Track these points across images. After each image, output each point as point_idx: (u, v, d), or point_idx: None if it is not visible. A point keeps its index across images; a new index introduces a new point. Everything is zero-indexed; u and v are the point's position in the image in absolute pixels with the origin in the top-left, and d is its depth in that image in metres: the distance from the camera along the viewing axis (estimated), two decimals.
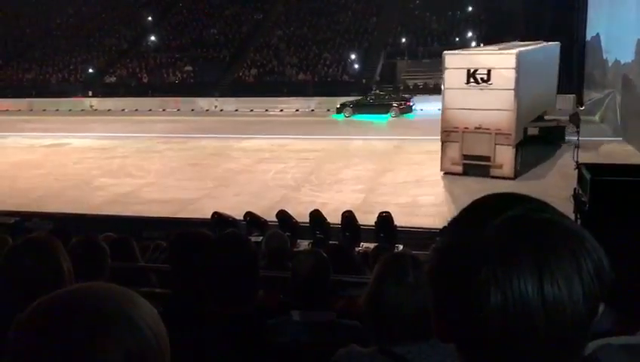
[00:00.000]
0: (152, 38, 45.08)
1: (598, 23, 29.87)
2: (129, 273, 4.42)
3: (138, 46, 45.35)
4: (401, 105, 30.74)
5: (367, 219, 11.05)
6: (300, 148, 23.46)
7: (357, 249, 8.21)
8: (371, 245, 8.35)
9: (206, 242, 2.86)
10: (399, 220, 11.11)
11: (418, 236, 10.71)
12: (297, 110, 34.67)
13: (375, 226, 10.25)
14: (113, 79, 42.71)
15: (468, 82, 17.56)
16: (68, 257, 2.07)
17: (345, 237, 9.96)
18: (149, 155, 23.24)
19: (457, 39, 40.55)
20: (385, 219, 10.31)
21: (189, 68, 41.78)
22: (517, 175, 17.33)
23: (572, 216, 8.90)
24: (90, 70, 43.07)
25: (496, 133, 17.38)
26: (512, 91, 16.98)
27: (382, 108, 30.46)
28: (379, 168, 19.86)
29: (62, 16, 49.57)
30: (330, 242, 9.04)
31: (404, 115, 30.42)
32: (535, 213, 0.80)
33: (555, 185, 15.38)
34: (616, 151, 20.82)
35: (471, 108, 17.56)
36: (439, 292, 0.83)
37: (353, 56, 39.18)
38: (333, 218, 10.90)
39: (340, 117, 31.07)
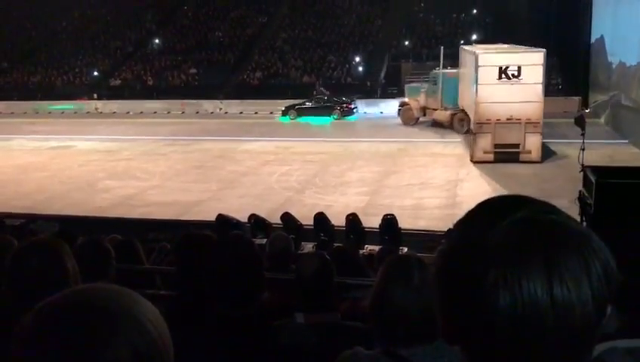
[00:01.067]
0: (157, 40, 45.22)
1: (602, 25, 29.79)
2: (134, 275, 4.43)
3: (143, 49, 45.50)
4: (342, 108, 32.16)
5: (371, 221, 11.04)
6: (305, 151, 23.48)
7: (361, 251, 8.20)
8: (376, 247, 8.33)
9: (210, 244, 2.87)
10: (404, 223, 11.10)
11: (423, 239, 10.70)
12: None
13: (380, 229, 10.24)
14: (118, 82, 42.85)
15: (500, 78, 19.57)
16: (73, 259, 2.08)
17: (349, 239, 9.94)
18: (154, 158, 23.30)
19: (462, 42, 40.56)
20: (389, 221, 10.29)
21: (193, 70, 41.89)
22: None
23: (577, 219, 8.87)
24: (96, 73, 43.23)
25: (526, 123, 19.49)
26: (541, 85, 19.44)
27: (325, 110, 32.04)
28: (383, 170, 19.85)
29: (67, 19, 49.77)
30: (335, 244, 9.03)
31: (346, 117, 31.95)
32: (541, 215, 0.80)
33: (560, 187, 15.36)
34: (621, 153, 20.76)
35: (503, 101, 19.45)
36: (445, 294, 0.83)
37: (358, 59, 39.21)
38: (338, 220, 10.90)
39: (286, 119, 32.39)
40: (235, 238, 2.67)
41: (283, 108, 32.83)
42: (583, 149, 12.63)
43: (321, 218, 10.63)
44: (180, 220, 13.71)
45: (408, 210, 14.72)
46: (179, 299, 2.98)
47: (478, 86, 19.84)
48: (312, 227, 10.64)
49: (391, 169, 20.05)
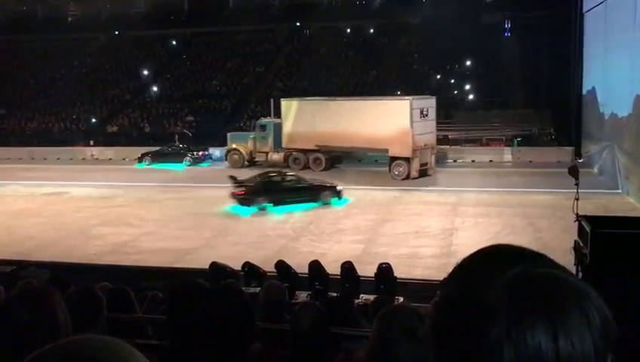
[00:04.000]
0: (155, 88, 45.78)
1: (593, 77, 30.40)
2: (125, 324, 4.35)
3: (140, 96, 46.00)
4: (194, 155, 34.48)
5: (366, 270, 10.96)
6: None
7: (356, 301, 8.11)
8: (371, 297, 8.24)
9: (202, 293, 2.83)
10: (399, 271, 11.02)
11: (418, 288, 10.61)
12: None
13: (375, 277, 10.15)
14: (115, 128, 43.14)
15: (421, 117, 28.36)
16: (65, 308, 2.04)
17: (344, 288, 9.84)
18: (148, 204, 23.25)
19: (455, 92, 41.22)
20: (385, 270, 10.21)
21: (190, 118, 42.25)
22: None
23: (573, 268, 8.84)
24: (93, 120, 43.55)
25: (431, 148, 28.89)
26: (434, 121, 29.76)
27: (177, 157, 34.34)
28: (378, 218, 19.84)
29: (66, 67, 50.45)
30: (329, 294, 8.93)
31: (199, 163, 34.17)
32: (541, 269, 0.80)
33: (555, 237, 15.36)
34: (615, 203, 20.85)
35: (423, 133, 28.38)
36: (443, 350, 0.81)
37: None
38: (333, 268, 10.81)
39: (142, 165, 34.29)
40: (224, 288, 2.64)
41: (139, 155, 35.12)
42: (577, 199, 12.68)
43: (315, 266, 10.54)
44: (173, 268, 13.60)
45: (404, 258, 14.64)
46: (170, 349, 2.93)
47: (413, 123, 27.74)
48: (307, 275, 10.53)
49: (386, 217, 20.05)
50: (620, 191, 23.42)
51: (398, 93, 36.66)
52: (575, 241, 9.54)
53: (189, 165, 33.71)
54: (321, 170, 29.66)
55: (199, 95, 44.38)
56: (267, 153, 32.10)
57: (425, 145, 28.11)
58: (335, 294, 8.52)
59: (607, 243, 8.38)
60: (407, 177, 27.24)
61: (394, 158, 28.02)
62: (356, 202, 22.41)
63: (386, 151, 28.27)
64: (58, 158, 37.84)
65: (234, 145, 33.14)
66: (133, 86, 47.24)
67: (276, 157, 31.76)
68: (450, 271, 0.87)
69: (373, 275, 10.24)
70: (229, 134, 34.21)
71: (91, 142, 40.58)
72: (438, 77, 41.98)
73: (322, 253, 14.65)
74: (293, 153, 31.29)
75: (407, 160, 27.62)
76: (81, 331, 1.20)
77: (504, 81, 39.08)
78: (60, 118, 44.81)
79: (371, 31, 48.10)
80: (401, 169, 27.74)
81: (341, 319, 4.47)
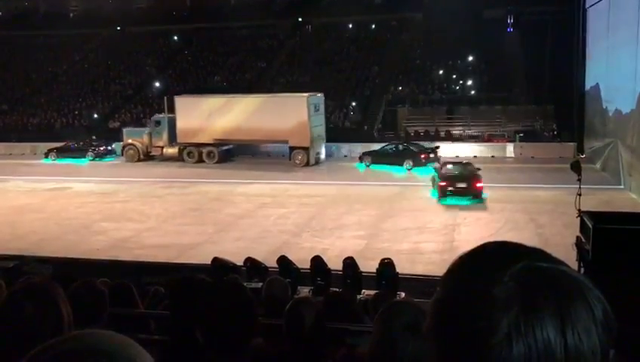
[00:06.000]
0: (157, 84, 45.75)
1: (597, 73, 30.31)
2: (128, 319, 4.36)
3: (142, 92, 45.97)
4: (96, 150, 35.74)
5: (368, 265, 10.96)
6: (302, 194, 23.51)
7: (359, 296, 8.11)
8: (373, 292, 8.24)
9: (204, 288, 2.84)
10: (401, 267, 11.02)
11: (420, 283, 10.61)
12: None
13: (377, 273, 10.15)
14: (117, 124, 43.10)
15: (315, 111, 32.10)
16: (68, 303, 2.05)
17: (346, 284, 9.85)
18: (151, 200, 23.28)
19: (457, 87, 41.16)
20: (387, 265, 10.21)
21: None
22: None
23: (575, 264, 8.84)
24: (95, 116, 43.54)
25: (321, 139, 32.61)
26: (323, 115, 33.78)
27: (81, 152, 35.49)
28: (380, 214, 19.84)
29: (68, 62, 50.44)
30: (332, 289, 8.94)
31: (102, 158, 35.40)
32: (542, 263, 0.80)
33: (557, 232, 15.35)
34: (618, 199, 20.83)
35: (316, 125, 32.11)
36: (447, 347, 0.80)
37: (354, 104, 39.67)
38: (335, 264, 10.82)
39: (48, 161, 35.32)
40: (226, 283, 2.64)
41: (45, 151, 36.07)
42: (580, 195, 12.67)
43: (317, 262, 10.54)
44: (176, 263, 13.61)
45: (405, 254, 14.65)
46: (172, 344, 2.94)
47: (311, 117, 31.43)
48: (309, 271, 10.54)
49: (388, 212, 20.05)
50: (622, 187, 23.39)
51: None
52: (577, 237, 9.54)
53: (91, 160, 35.12)
54: (215, 163, 32.58)
55: (201, 90, 44.30)
56: (162, 147, 34.25)
57: (318, 136, 32.13)
58: (337, 290, 8.52)
59: (609, 238, 8.37)
60: (307, 164, 31.06)
61: (293, 148, 31.44)
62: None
63: (286, 142, 31.60)
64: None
65: (130, 141, 34.90)
66: (135, 82, 47.21)
67: (171, 151, 33.97)
68: (448, 268, 0.87)
69: (375, 271, 10.24)
70: (124, 130, 36.03)
71: (93, 137, 40.57)
72: (441, 72, 41.92)
73: (324, 248, 14.68)
74: (188, 147, 33.52)
75: (306, 149, 31.19)
76: (84, 326, 1.21)
77: (506, 76, 38.98)
78: (62, 113, 44.80)
79: (373, 26, 48.01)
80: (300, 157, 31.35)
81: (343, 314, 4.47)
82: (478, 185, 21.24)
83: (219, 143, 33.07)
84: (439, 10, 39.65)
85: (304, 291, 9.22)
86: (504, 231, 16.99)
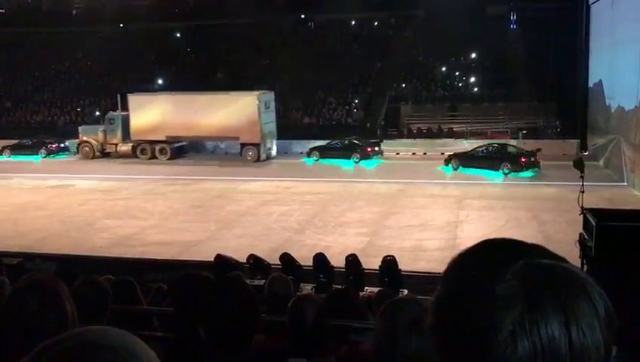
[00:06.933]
0: (160, 81, 45.74)
1: (600, 70, 30.23)
2: (131, 316, 4.38)
3: (145, 89, 45.94)
4: (48, 147, 36.09)
5: (371, 262, 10.97)
6: (304, 191, 23.51)
7: (361, 293, 8.12)
8: (375, 289, 8.25)
9: (207, 285, 2.84)
10: (404, 264, 11.03)
11: (423, 281, 10.61)
12: (301, 153, 35.03)
13: (379, 270, 10.16)
14: None
15: (265, 109, 33.04)
16: (71, 300, 2.05)
17: (349, 281, 9.86)
18: (153, 197, 23.30)
19: (460, 84, 41.09)
20: (389, 263, 10.21)
21: None
22: None
23: (578, 261, 8.83)
24: (97, 113, 43.57)
25: (272, 135, 33.50)
26: (274, 112, 34.60)
27: (33, 149, 35.88)
28: (383, 211, 19.84)
29: (71, 59, 50.46)
30: (334, 286, 8.95)
31: (54, 155, 35.93)
32: (543, 260, 0.80)
33: (561, 229, 15.33)
34: (621, 196, 20.79)
35: (267, 122, 33.07)
36: (449, 344, 0.80)
37: (357, 101, 39.65)
38: (337, 261, 10.83)
39: (2, 158, 35.77)
40: (228, 280, 2.65)
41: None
42: (583, 192, 12.65)
43: (320, 259, 10.56)
44: (178, 260, 13.63)
45: (408, 251, 14.65)
46: (175, 341, 2.94)
47: (261, 114, 32.44)
48: (312, 268, 10.56)
49: (390, 210, 20.04)
50: (625, 183, 23.34)
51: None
52: (580, 234, 9.52)
53: (43, 157, 35.49)
54: (168, 159, 33.50)
55: (204, 88, 44.28)
56: (116, 144, 34.88)
57: (269, 133, 33.18)
58: (340, 287, 8.53)
59: (612, 236, 8.36)
60: (258, 160, 32.06)
61: (244, 144, 32.49)
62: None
63: (238, 138, 32.70)
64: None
65: (85, 138, 35.53)
66: (137, 79, 47.21)
67: (125, 148, 34.61)
68: (448, 265, 0.87)
69: (377, 268, 10.25)
70: (80, 127, 36.60)
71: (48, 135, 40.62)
72: (443, 69, 41.85)
73: (327, 245, 14.68)
74: (141, 144, 34.24)
75: (257, 145, 32.26)
76: (87, 323, 1.21)
77: (509, 73, 38.87)
78: (65, 110, 44.86)
79: (376, 23, 47.92)
80: (251, 153, 32.37)
81: (346, 311, 4.48)
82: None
83: (171, 140, 33.97)
84: (442, 6, 39.55)
85: (307, 288, 9.25)
86: (507, 228, 16.98)
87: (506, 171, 26.08)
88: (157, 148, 33.97)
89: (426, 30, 43.60)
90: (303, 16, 49.44)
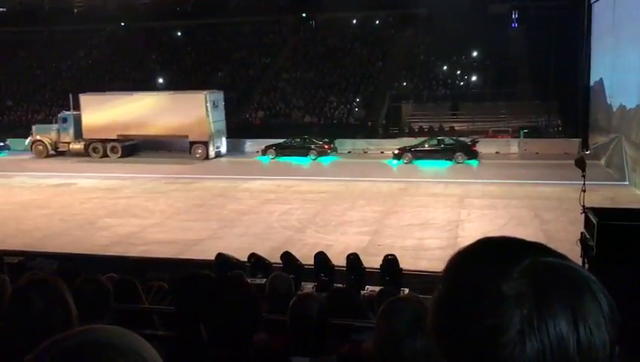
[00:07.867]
0: (161, 80, 45.77)
1: (601, 69, 30.19)
2: (132, 314, 4.38)
3: (146, 88, 45.95)
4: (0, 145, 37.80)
5: (372, 261, 10.96)
6: (305, 190, 23.51)
7: (362, 292, 8.12)
8: (377, 288, 8.24)
9: (209, 284, 2.84)
10: (405, 263, 11.01)
11: (424, 280, 10.61)
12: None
13: (380, 269, 10.15)
14: None
15: (215, 107, 33.97)
16: (72, 298, 2.06)
17: (350, 280, 9.85)
18: (155, 196, 23.31)
19: (461, 83, 41.07)
20: (391, 261, 10.21)
21: None
22: None
23: (579, 260, 8.83)
24: None
25: (221, 133, 34.29)
26: (223, 111, 35.19)
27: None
28: (384, 210, 19.83)
29: (72, 58, 50.48)
30: (335, 285, 8.95)
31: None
32: (548, 258, 0.80)
33: (562, 229, 15.32)
34: (622, 195, 20.77)
35: (216, 121, 33.84)
36: (449, 344, 0.80)
37: (358, 100, 39.65)
38: (338, 260, 10.83)
39: None
40: (229, 278, 2.65)
41: None
42: (584, 191, 12.65)
43: (321, 258, 10.55)
44: (180, 259, 13.63)
45: (409, 250, 14.64)
46: (177, 339, 2.95)
47: (209, 113, 33.18)
48: (313, 267, 10.55)
49: (392, 209, 20.04)
50: (627, 183, 23.31)
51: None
52: (582, 233, 9.52)
53: (4, 156, 36.45)
54: (119, 157, 34.18)
55: (205, 86, 44.29)
56: (69, 143, 35.54)
57: (218, 131, 33.88)
58: (341, 285, 8.53)
59: (613, 235, 8.36)
60: (207, 157, 32.87)
61: (193, 142, 33.25)
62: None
63: (187, 137, 33.34)
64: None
65: (38, 137, 36.11)
66: (139, 77, 47.23)
67: (77, 146, 35.34)
68: (447, 264, 0.86)
69: (379, 267, 10.25)
70: (33, 126, 37.18)
71: None
72: (445, 68, 41.82)
73: (328, 244, 14.67)
74: (93, 143, 34.93)
75: (205, 143, 33.10)
76: (88, 321, 1.21)
77: (511, 72, 38.87)
78: (66, 109, 44.80)
79: (377, 22, 47.91)
80: (200, 151, 33.22)
81: (347, 310, 4.48)
82: None
83: (123, 139, 34.62)
84: (443, 5, 39.53)
85: (308, 287, 9.24)
86: (509, 227, 16.96)
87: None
88: (109, 146, 34.62)
89: (427, 29, 43.61)
90: (304, 14, 49.42)
